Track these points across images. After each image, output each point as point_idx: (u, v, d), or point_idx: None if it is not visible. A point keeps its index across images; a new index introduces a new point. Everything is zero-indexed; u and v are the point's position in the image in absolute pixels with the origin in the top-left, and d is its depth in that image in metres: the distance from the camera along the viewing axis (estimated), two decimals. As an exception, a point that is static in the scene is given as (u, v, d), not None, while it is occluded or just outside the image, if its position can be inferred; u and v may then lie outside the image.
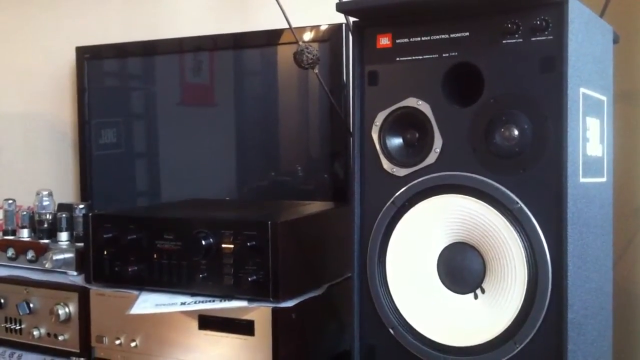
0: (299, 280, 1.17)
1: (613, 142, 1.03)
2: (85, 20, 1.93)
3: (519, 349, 0.86)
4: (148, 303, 1.17)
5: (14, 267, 1.43)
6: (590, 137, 0.91)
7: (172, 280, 1.19)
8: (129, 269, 1.22)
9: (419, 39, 0.93)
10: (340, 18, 1.28)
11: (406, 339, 0.94)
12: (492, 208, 0.87)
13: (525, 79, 0.86)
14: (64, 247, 1.39)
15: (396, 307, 0.95)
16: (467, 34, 0.90)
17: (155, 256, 1.20)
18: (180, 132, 1.74)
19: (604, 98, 0.98)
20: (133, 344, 1.22)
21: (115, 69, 1.85)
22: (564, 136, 0.83)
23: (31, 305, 1.32)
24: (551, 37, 0.84)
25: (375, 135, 0.96)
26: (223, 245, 1.14)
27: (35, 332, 1.31)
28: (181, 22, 1.80)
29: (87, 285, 1.28)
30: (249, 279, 1.11)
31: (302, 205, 1.41)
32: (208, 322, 1.16)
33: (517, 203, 0.86)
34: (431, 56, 0.92)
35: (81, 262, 1.34)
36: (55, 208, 1.51)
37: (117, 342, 1.24)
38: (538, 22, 0.85)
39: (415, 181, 0.93)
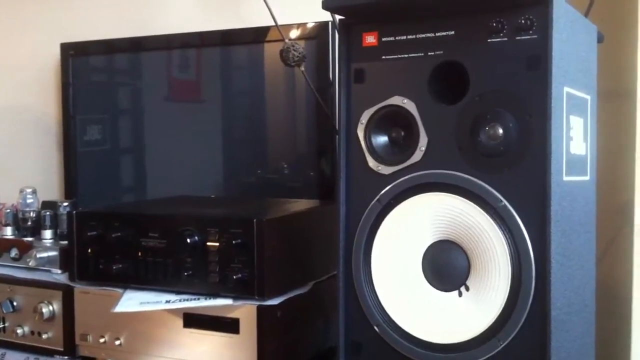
0: (284, 278, 1.17)
1: (597, 140, 1.04)
2: (72, 16, 1.92)
3: (503, 346, 0.87)
4: (133, 301, 1.17)
5: (-3, 265, 1.42)
6: (574, 136, 0.92)
7: (157, 278, 1.19)
8: (114, 267, 1.21)
9: (404, 37, 0.94)
10: (326, 16, 1.28)
11: (391, 336, 0.94)
12: (476, 206, 0.88)
13: (510, 77, 0.86)
14: (48, 245, 1.38)
15: (381, 305, 0.95)
16: (453, 32, 0.90)
17: (140, 254, 1.20)
18: (167, 128, 1.73)
19: (587, 97, 0.98)
20: (117, 342, 1.22)
21: (101, 65, 1.84)
22: (547, 135, 0.84)
23: (15, 303, 1.31)
24: (536, 36, 0.85)
25: (360, 134, 0.96)
26: (208, 243, 1.14)
27: (19, 331, 1.31)
28: (168, 18, 1.79)
29: (71, 284, 1.27)
30: (235, 276, 1.11)
31: (288, 202, 1.41)
32: (193, 320, 1.15)
33: (502, 201, 0.86)
34: (417, 54, 0.93)
35: (65, 260, 1.33)
36: (39, 205, 1.50)
37: (102, 340, 1.23)
38: (523, 21, 0.85)
39: (401, 179, 0.93)
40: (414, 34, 0.93)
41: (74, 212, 1.27)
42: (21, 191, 1.49)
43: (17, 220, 1.47)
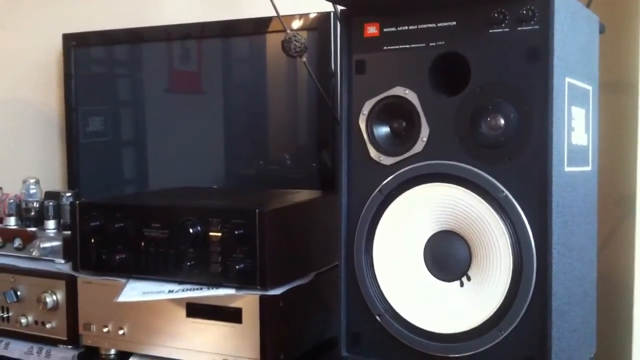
0: (286, 268, 1.17)
1: (598, 131, 1.04)
2: (73, 7, 1.92)
3: (504, 336, 0.87)
4: (135, 291, 1.17)
5: (0, 255, 1.42)
6: (576, 127, 0.92)
7: (160, 268, 1.19)
8: (117, 257, 1.22)
9: (406, 27, 0.94)
10: (328, 6, 1.27)
11: (392, 326, 0.94)
12: (478, 196, 0.88)
13: (512, 68, 0.86)
14: (51, 235, 1.39)
15: (383, 295, 0.95)
16: (454, 23, 0.90)
17: (142, 244, 1.20)
18: (168, 120, 1.73)
19: (589, 88, 0.98)
20: (121, 332, 1.22)
21: (103, 56, 1.84)
22: (549, 125, 0.84)
23: (18, 293, 1.32)
24: (537, 26, 0.85)
25: (362, 124, 0.96)
26: (210, 234, 1.14)
27: (23, 320, 1.31)
28: (170, 9, 1.79)
29: (74, 273, 1.28)
30: (237, 267, 1.12)
31: (290, 193, 1.41)
32: (196, 309, 1.16)
33: (503, 191, 0.86)
34: (418, 45, 0.92)
35: (68, 250, 1.33)
36: (42, 196, 1.51)
37: (105, 330, 1.24)
38: (524, 12, 0.85)
39: (402, 170, 0.93)
40: (415, 24, 0.93)
41: (77, 202, 1.27)
42: (24, 181, 1.49)
43: (21, 210, 1.47)
